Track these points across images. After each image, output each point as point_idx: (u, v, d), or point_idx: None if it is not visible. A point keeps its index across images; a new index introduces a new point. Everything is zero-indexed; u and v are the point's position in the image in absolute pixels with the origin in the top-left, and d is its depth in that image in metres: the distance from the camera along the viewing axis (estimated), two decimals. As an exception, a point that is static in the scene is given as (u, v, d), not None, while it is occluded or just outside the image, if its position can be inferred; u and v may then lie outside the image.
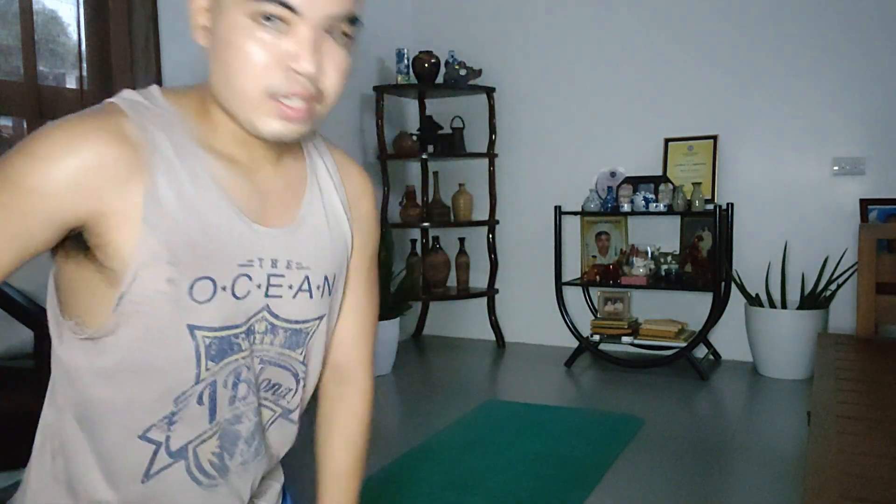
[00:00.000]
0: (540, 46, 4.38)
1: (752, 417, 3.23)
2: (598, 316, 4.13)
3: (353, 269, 0.94)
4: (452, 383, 3.79)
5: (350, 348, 0.97)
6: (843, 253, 3.69)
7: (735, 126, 3.96)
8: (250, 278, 0.79)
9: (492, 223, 4.38)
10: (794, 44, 3.82)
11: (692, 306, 4.03)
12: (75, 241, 0.74)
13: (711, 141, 3.96)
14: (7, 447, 2.31)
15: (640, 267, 3.92)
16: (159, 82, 3.00)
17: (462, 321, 4.71)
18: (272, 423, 0.89)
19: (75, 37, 2.86)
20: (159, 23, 3.00)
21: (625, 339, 3.96)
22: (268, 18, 0.72)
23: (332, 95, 0.77)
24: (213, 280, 0.75)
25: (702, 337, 3.83)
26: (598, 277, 4.02)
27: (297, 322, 0.85)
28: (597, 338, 4.03)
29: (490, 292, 4.43)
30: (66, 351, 0.77)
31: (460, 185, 4.47)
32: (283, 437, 0.92)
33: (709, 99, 4.00)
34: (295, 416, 0.92)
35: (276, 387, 0.86)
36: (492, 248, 4.40)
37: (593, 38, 4.25)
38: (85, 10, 2.85)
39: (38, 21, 2.75)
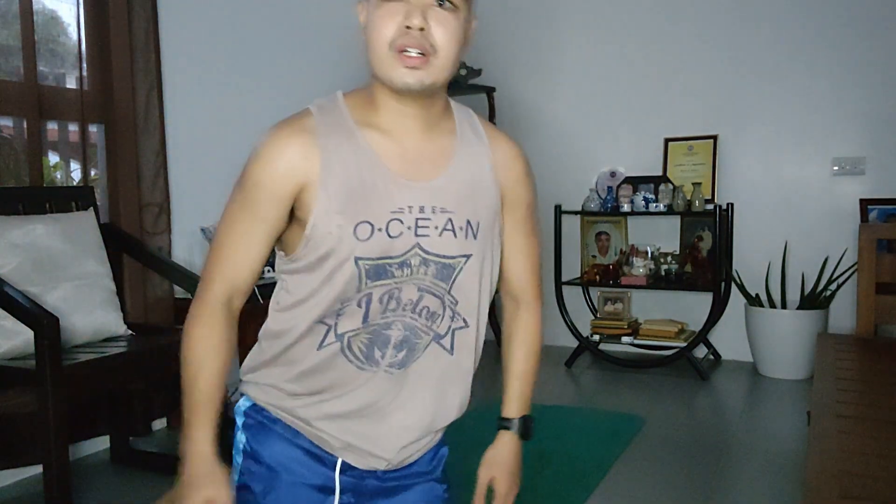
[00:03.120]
0: (540, 46, 4.38)
1: (752, 417, 3.23)
2: (598, 316, 4.13)
3: (514, 220, 1.16)
4: (452, 383, 3.79)
5: (520, 281, 1.20)
6: (843, 253, 3.69)
7: (735, 126, 3.96)
8: (401, 222, 1.02)
9: (492, 223, 4.38)
10: (794, 44, 3.82)
11: (692, 306, 4.02)
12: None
13: (711, 141, 3.96)
14: (7, 447, 2.32)
15: (640, 267, 3.92)
16: (159, 82, 3.00)
17: (462, 321, 4.71)
18: (426, 346, 1.08)
19: (75, 37, 2.86)
20: (159, 23, 3.00)
21: (625, 339, 3.96)
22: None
23: (444, 48, 0.99)
24: (371, 223, 1.00)
25: (702, 337, 3.83)
26: (598, 277, 4.02)
27: (444, 257, 1.05)
28: (597, 338, 4.03)
29: (490, 292, 4.43)
30: (279, 267, 1.09)
31: (460, 185, 4.47)
32: (439, 363, 1.10)
33: (709, 99, 4.00)
34: (446, 343, 1.10)
35: (433, 313, 1.07)
36: (492, 248, 4.39)
37: (593, 39, 4.25)
38: (85, 10, 2.85)
39: (38, 21, 2.75)
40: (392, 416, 1.08)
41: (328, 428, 1.08)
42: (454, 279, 1.07)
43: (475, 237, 1.08)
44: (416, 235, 1.03)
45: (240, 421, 1.13)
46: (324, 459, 1.09)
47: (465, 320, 1.10)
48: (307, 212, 1.01)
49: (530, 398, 1.22)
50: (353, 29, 1.06)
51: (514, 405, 1.21)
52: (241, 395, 1.15)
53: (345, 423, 1.07)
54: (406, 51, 0.98)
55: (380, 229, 1.01)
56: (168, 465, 2.93)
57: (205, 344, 1.03)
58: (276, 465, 1.09)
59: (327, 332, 1.05)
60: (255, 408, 1.12)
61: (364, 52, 1.02)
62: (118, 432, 2.77)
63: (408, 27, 0.97)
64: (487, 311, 1.14)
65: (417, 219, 1.03)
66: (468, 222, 1.07)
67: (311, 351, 1.05)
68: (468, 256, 1.07)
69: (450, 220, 1.05)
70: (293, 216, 1.04)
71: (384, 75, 1.00)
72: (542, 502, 2.32)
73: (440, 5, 0.99)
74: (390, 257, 1.02)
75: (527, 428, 1.22)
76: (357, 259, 1.01)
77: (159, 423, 3.05)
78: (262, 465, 1.09)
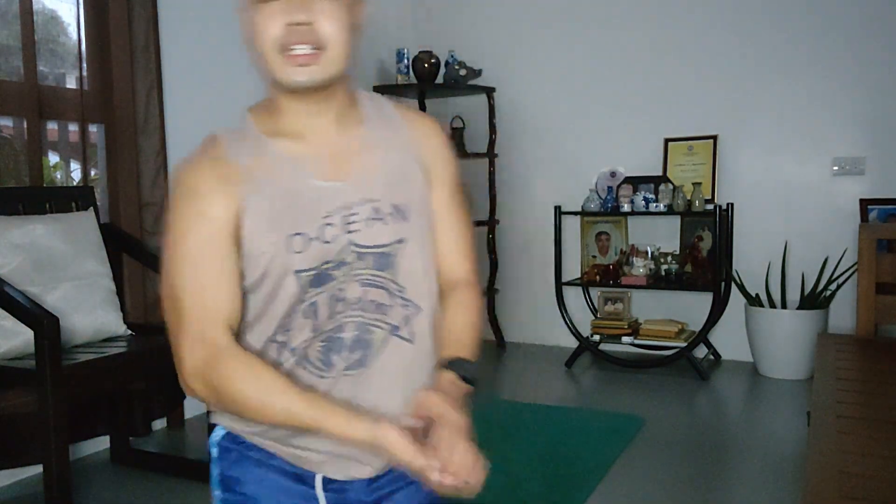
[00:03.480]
0: (540, 46, 4.38)
1: (752, 417, 3.23)
2: (599, 316, 4.13)
3: (441, 198, 1.13)
4: (452, 383, 3.78)
5: (454, 261, 1.16)
6: (843, 253, 3.69)
7: (735, 126, 3.96)
8: (333, 224, 1.00)
9: (492, 223, 4.38)
10: (793, 44, 3.82)
11: (692, 306, 4.02)
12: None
13: (711, 141, 3.96)
14: (7, 447, 2.32)
15: (640, 267, 3.92)
16: (159, 82, 3.00)
17: (462, 321, 4.70)
18: (384, 341, 1.05)
19: (75, 37, 2.86)
20: (159, 23, 3.00)
21: (625, 339, 3.96)
22: None
23: (334, 40, 0.96)
24: (304, 234, 0.99)
25: (702, 337, 3.83)
26: (598, 277, 4.02)
27: (378, 246, 1.03)
28: (597, 338, 4.03)
29: (490, 292, 4.43)
30: None
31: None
32: (402, 355, 1.06)
33: (709, 99, 4.00)
34: (405, 333, 1.06)
35: (380, 305, 1.04)
36: (492, 248, 4.40)
37: (593, 39, 4.25)
38: (85, 10, 2.85)
39: (38, 21, 2.75)
40: None
41: (309, 443, 1.03)
42: (396, 266, 1.05)
43: (406, 220, 1.06)
44: (348, 233, 1.01)
45: (214, 452, 1.10)
46: (304, 478, 1.06)
47: (416, 305, 1.07)
48: (240, 235, 0.99)
49: (471, 351, 1.09)
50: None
51: (449, 351, 1.08)
52: (214, 425, 1.11)
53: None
54: (294, 49, 0.95)
55: (314, 238, 0.99)
56: (168, 465, 2.95)
57: (254, 382, 0.96)
58: (256, 494, 1.06)
59: (280, 349, 1.02)
60: (228, 436, 1.08)
61: (252, 59, 0.99)
62: (118, 432, 2.77)
63: (292, 24, 0.94)
64: (437, 291, 1.11)
65: (345, 216, 1.01)
66: (395, 207, 1.05)
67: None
68: (403, 241, 1.05)
69: (375, 208, 1.03)
70: None
71: (277, 78, 0.98)
72: (542, 502, 2.32)
73: None
74: (329, 262, 1.01)
75: (465, 367, 1.06)
76: (297, 272, 0.99)
77: (159, 423, 3.05)
78: (241, 495, 1.06)
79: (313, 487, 1.06)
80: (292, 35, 0.95)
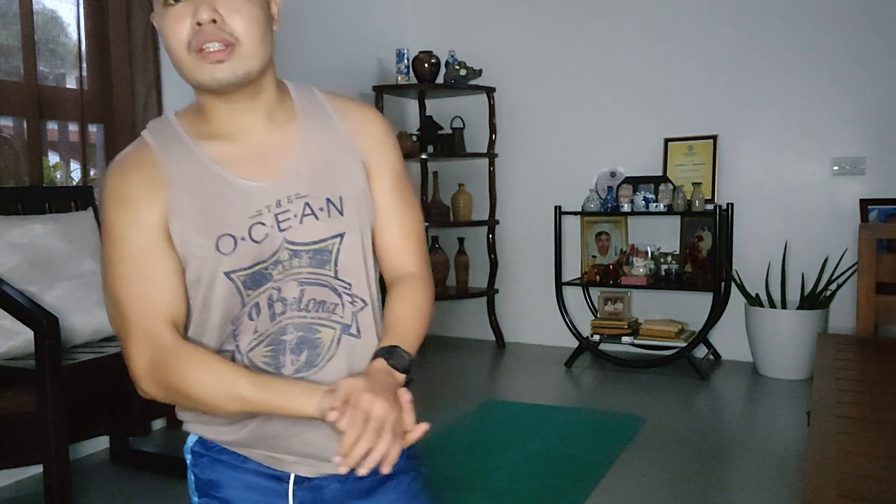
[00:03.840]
0: (540, 46, 4.38)
1: (752, 417, 3.23)
2: (598, 316, 4.13)
3: (384, 189, 1.11)
4: (452, 383, 3.79)
5: (401, 255, 1.13)
6: (843, 253, 3.69)
7: (735, 126, 3.95)
8: (264, 224, 1.00)
9: (492, 223, 4.38)
10: (794, 44, 3.82)
11: (692, 306, 4.02)
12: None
13: (711, 141, 3.96)
14: (7, 447, 2.32)
15: (640, 267, 3.92)
16: (159, 82, 3.00)
17: (462, 321, 4.71)
18: (338, 341, 1.04)
19: (75, 37, 2.86)
20: (159, 23, 3.00)
21: (625, 339, 3.96)
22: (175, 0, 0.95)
23: (246, 35, 0.95)
24: (232, 235, 0.98)
25: (702, 337, 3.83)
26: (598, 277, 4.02)
27: (313, 242, 1.02)
28: (597, 338, 4.03)
29: (490, 292, 4.43)
30: None
31: (460, 185, 4.47)
32: (352, 352, 1.05)
33: (708, 99, 4.00)
34: (354, 330, 1.05)
35: (322, 303, 1.04)
36: (492, 248, 4.40)
37: (593, 38, 4.25)
38: (85, 10, 2.85)
39: (38, 21, 2.75)
40: None
41: (285, 443, 1.04)
42: (336, 262, 1.04)
43: (341, 213, 1.04)
44: (280, 231, 1.00)
45: (189, 459, 1.10)
46: (278, 477, 1.07)
47: (362, 300, 1.07)
48: (173, 237, 0.99)
49: (410, 344, 1.06)
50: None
51: (386, 342, 1.05)
52: (188, 433, 1.11)
53: (296, 435, 1.03)
54: (205, 48, 0.94)
55: (243, 238, 0.99)
56: (167, 465, 2.95)
57: (204, 374, 0.95)
58: (232, 497, 1.06)
59: (232, 357, 1.02)
60: (201, 441, 1.09)
61: (173, 65, 0.99)
62: (118, 432, 2.77)
63: (199, 24, 0.93)
64: (378, 282, 1.11)
65: (276, 214, 1.00)
66: (328, 201, 1.04)
67: None
68: (341, 235, 1.04)
69: (307, 204, 1.02)
70: None
71: (195, 80, 0.97)
72: (541, 502, 2.32)
73: None
74: (262, 261, 1.00)
75: (396, 356, 1.02)
76: (228, 274, 0.99)
77: (159, 423, 3.05)
78: (218, 499, 1.07)
79: (288, 485, 1.07)
80: (201, 35, 0.93)
